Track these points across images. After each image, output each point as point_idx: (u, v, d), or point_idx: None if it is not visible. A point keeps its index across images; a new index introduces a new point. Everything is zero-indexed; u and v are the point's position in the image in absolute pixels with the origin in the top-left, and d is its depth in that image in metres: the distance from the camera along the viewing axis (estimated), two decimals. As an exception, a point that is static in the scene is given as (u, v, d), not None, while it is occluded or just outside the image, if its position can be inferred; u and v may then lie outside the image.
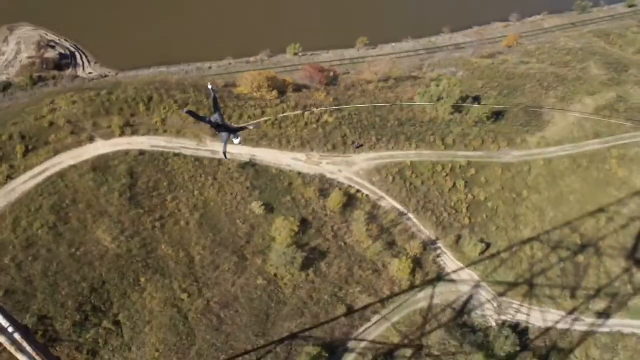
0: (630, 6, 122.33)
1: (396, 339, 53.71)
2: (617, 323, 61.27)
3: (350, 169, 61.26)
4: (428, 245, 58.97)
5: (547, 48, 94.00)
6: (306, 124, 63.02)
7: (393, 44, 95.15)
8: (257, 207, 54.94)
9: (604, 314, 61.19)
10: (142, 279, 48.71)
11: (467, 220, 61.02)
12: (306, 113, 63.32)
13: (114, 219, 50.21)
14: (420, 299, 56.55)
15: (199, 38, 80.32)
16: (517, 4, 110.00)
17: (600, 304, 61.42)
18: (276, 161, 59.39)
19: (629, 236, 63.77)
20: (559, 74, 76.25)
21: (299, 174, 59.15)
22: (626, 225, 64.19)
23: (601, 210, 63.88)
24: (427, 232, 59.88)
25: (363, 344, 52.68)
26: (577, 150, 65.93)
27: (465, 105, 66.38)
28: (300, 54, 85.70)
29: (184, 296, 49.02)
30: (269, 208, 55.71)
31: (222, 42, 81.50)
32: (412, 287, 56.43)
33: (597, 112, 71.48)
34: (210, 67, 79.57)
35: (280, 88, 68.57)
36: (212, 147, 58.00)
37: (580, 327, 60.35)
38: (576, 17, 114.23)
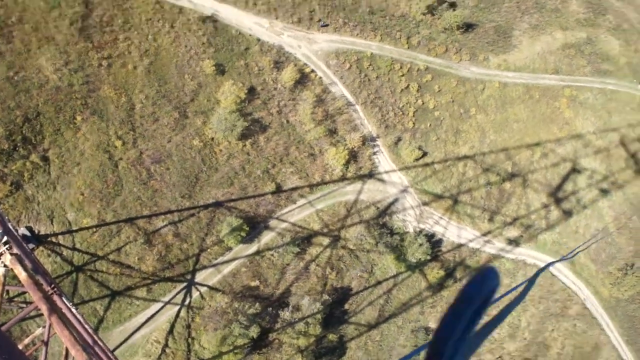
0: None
1: (316, 226, 59.20)
2: (523, 252, 70.20)
3: (310, 46, 63.36)
4: (367, 141, 62.92)
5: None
6: (275, -11, 63.48)
7: None
8: (208, 66, 56.04)
9: (514, 242, 69.92)
10: (79, 118, 49.92)
11: (410, 124, 65.35)
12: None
13: (60, 48, 49.99)
14: (348, 192, 61.91)
15: None
16: None
17: (513, 232, 69.84)
18: (238, 22, 59.81)
19: (557, 175, 71.60)
20: (539, 0, 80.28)
21: (258, 40, 60.16)
22: (557, 164, 71.81)
23: (538, 144, 71.01)
24: (369, 127, 63.77)
25: (284, 225, 57.74)
26: (534, 81, 71.33)
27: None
28: None
29: (118, 143, 50.93)
30: (220, 69, 57.10)
31: None
32: (342, 179, 61.41)
33: (564, 49, 77.04)
34: None
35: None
36: (176, -8, 57.35)
37: (489, 250, 68.75)
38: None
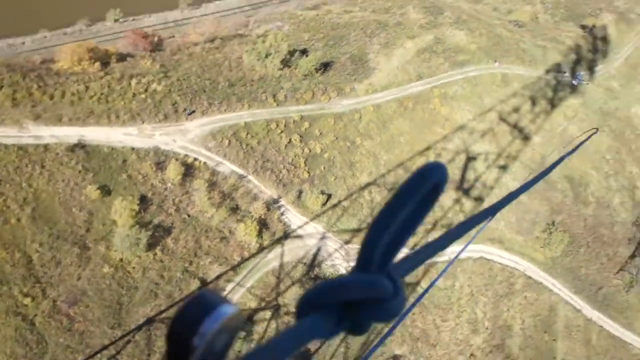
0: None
1: (253, 304, 58.81)
2: (453, 250, 72.58)
3: (184, 137, 63.91)
4: (271, 205, 63.68)
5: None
6: (134, 94, 63.61)
7: (217, 2, 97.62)
8: (92, 191, 55.28)
9: (442, 244, 72.37)
10: (-24, 293, 47.41)
11: (305, 175, 66.78)
12: (133, 83, 65.00)
13: None
14: (271, 260, 61.99)
15: (5, 10, 76.70)
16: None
17: (436, 235, 72.28)
18: (107, 139, 59.61)
19: (456, 169, 74.95)
20: (381, 20, 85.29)
21: (133, 149, 60.07)
22: (452, 160, 75.30)
23: (429, 148, 74.45)
24: (268, 191, 64.57)
25: (221, 314, 57.42)
26: (403, 93, 75.34)
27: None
28: (121, 20, 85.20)
29: (27, 301, 48.70)
30: (106, 190, 56.44)
31: (34, 12, 78.13)
32: (261, 249, 61.62)
33: (419, 55, 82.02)
34: (23, 43, 75.71)
35: (103, 59, 67.81)
36: (35, 132, 56.51)
37: (422, 260, 70.92)
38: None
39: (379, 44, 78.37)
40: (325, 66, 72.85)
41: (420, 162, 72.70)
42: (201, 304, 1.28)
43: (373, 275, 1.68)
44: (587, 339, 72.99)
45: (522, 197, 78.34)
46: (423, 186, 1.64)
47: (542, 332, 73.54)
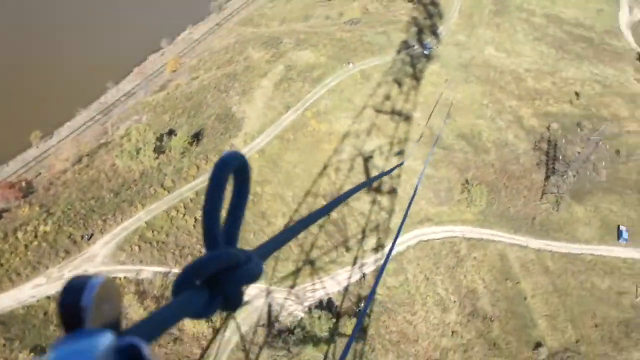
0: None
1: (233, 385, 58.53)
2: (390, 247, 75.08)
3: (94, 262, 62.36)
4: (206, 286, 64.04)
5: (207, 55, 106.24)
6: (26, 245, 62.19)
7: (67, 123, 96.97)
8: (25, 358, 52.93)
9: (379, 247, 74.27)
10: None
11: (225, 242, 67.51)
12: (20, 235, 63.43)
13: None
14: (231, 337, 61.36)
15: None
16: (159, 30, 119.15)
17: (371, 241, 73.88)
18: (17, 300, 57.76)
19: (358, 173, 77.70)
20: (229, 72, 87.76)
21: (48, 298, 58.47)
22: (352, 167, 77.92)
23: (326, 167, 76.90)
24: (197, 275, 64.96)
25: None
26: (279, 128, 77.70)
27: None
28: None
29: None
30: (39, 349, 54.34)
31: None
32: (216, 332, 61.15)
33: (278, 88, 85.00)
34: None
35: (-24, 228, 66.33)
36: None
37: (368, 269, 72.32)
38: (218, 17, 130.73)
39: (237, 95, 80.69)
40: (197, 137, 74.09)
41: (324, 182, 75.25)
42: (73, 285, 1.43)
43: (222, 249, 1.98)
44: (545, 268, 76.70)
45: (430, 171, 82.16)
46: (225, 172, 1.93)
47: (504, 281, 76.66)
